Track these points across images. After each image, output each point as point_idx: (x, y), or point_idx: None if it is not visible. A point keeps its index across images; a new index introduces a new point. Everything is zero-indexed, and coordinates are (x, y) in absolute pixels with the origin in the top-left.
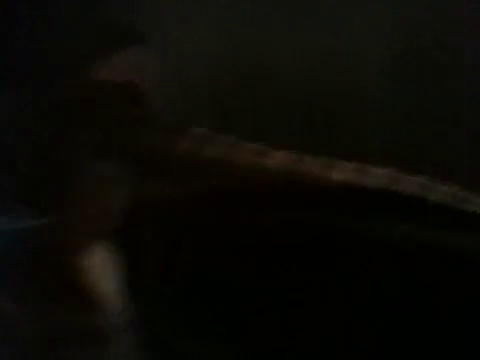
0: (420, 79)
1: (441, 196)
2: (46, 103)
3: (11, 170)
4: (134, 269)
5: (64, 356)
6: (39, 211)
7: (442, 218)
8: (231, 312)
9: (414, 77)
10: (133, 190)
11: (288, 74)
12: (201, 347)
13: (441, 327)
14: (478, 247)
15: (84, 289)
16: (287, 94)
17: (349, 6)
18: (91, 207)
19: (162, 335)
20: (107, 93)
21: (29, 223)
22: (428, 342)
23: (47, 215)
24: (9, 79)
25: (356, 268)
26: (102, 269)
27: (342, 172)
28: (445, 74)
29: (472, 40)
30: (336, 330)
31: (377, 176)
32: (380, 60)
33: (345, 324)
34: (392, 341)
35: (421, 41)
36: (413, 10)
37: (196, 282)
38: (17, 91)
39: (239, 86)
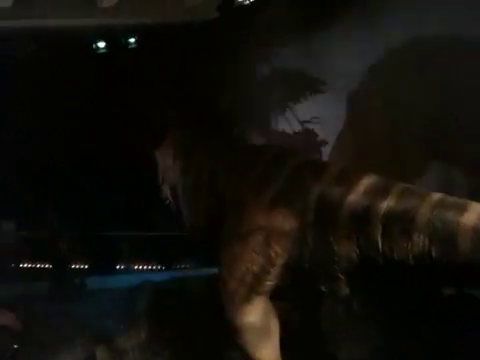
0: None
1: None
2: (225, 153)
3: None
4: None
5: None
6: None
7: None
8: None
9: None
10: (300, 245)
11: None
12: None
13: None
14: None
15: (244, 347)
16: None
17: None
18: (256, 261)
19: None
20: (287, 142)
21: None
22: None
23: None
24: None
25: None
26: (261, 328)
27: None
28: None
29: None
30: None
31: None
32: None
33: None
34: None
35: None
36: None
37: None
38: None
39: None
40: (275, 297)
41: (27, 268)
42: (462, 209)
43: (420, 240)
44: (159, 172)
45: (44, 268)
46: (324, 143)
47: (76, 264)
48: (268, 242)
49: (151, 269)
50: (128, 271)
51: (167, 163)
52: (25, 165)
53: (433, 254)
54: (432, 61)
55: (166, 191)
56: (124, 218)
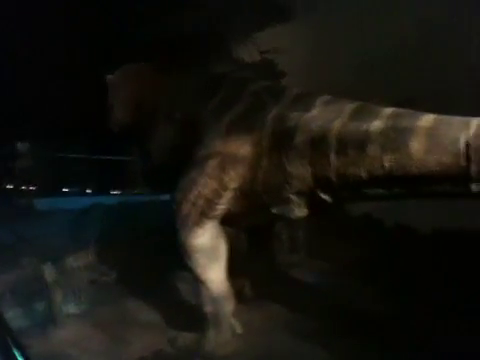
0: None
1: None
2: (194, 81)
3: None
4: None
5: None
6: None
7: None
8: None
9: None
10: (253, 170)
11: None
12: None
13: None
14: None
15: (192, 269)
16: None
17: None
18: (210, 185)
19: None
20: (247, 70)
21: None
22: None
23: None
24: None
25: None
26: (210, 251)
27: None
28: None
29: None
30: None
31: None
32: None
33: None
34: None
35: None
36: None
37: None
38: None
39: (382, 69)
40: (226, 222)
41: None
42: (415, 118)
43: (373, 151)
44: (109, 98)
45: None
46: (283, 74)
47: (26, 184)
48: (223, 166)
49: (102, 192)
50: (79, 193)
51: (120, 92)
52: None
53: (385, 163)
54: None
55: (114, 119)
56: (77, 140)
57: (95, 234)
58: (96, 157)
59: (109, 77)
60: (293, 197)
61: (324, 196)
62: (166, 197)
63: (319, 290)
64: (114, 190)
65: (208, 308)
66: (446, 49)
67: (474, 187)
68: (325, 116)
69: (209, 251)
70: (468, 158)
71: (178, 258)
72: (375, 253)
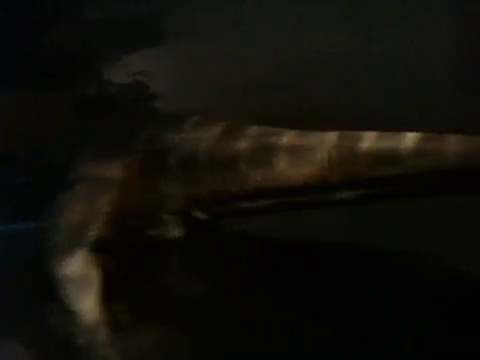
0: None
1: None
2: (59, 102)
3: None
4: (115, 284)
5: None
6: (40, 214)
7: None
8: None
9: None
10: (125, 194)
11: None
12: None
13: None
14: None
15: (63, 299)
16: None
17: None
18: (80, 211)
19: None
20: (118, 93)
21: (30, 225)
22: None
23: (46, 218)
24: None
25: None
26: (81, 280)
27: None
28: None
29: None
30: None
31: None
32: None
33: None
34: None
35: None
36: None
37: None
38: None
39: (246, 87)
40: (99, 248)
41: None
42: (279, 134)
43: (241, 167)
44: None
45: None
46: (155, 96)
47: None
48: (93, 191)
49: None
50: None
51: None
52: None
53: (254, 179)
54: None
55: None
56: None
57: None
58: None
59: None
60: (168, 218)
61: (199, 214)
62: (31, 226)
63: (200, 310)
64: None
65: (80, 340)
66: (325, 71)
67: (337, 195)
68: (196, 136)
69: (80, 280)
70: (330, 168)
71: (47, 289)
72: (255, 270)
